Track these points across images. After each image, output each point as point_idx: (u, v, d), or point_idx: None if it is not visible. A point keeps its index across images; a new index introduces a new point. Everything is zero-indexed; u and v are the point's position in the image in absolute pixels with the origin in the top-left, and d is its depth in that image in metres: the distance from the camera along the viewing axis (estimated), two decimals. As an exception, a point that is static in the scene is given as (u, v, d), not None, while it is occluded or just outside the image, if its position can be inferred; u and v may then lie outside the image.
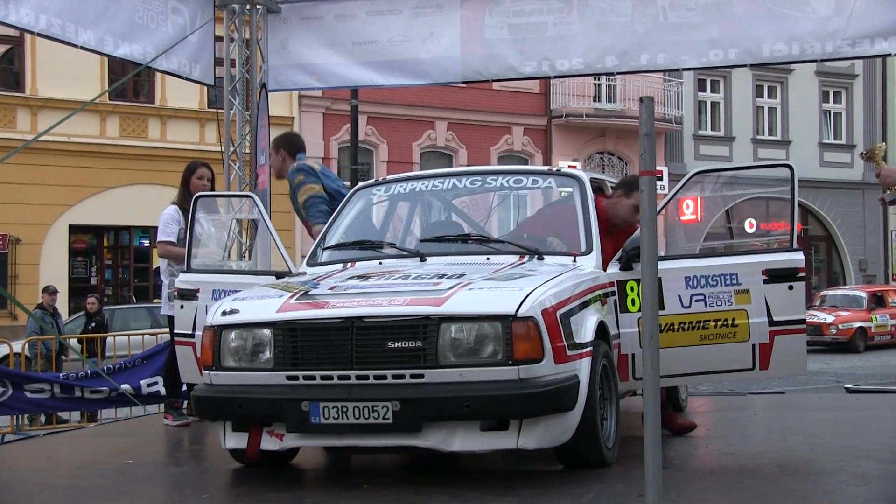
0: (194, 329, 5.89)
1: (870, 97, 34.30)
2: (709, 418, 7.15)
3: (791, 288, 5.26)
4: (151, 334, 11.85)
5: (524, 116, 28.67)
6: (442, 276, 4.96)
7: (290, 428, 4.68)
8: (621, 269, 5.40)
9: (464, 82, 9.13)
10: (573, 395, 4.60)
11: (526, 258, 5.42)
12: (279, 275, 5.73)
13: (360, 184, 6.54)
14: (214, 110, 11.13)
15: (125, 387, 9.46)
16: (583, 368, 4.70)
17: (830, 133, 34.13)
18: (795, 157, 30.40)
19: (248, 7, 8.73)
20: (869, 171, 28.40)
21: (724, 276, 5.32)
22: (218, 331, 4.81)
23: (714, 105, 32.17)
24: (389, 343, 4.53)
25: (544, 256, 5.42)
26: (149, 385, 9.67)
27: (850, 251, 34.00)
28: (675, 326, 5.31)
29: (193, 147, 21.96)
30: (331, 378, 4.59)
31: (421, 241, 5.92)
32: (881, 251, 34.61)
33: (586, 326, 4.86)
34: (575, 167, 19.27)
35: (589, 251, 5.47)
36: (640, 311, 5.13)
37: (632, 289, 5.35)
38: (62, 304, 19.04)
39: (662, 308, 5.08)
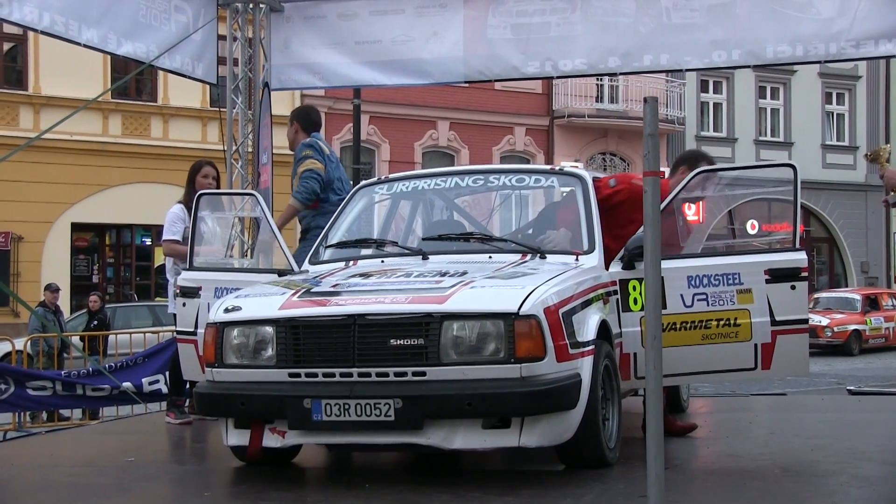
0: (196, 327, 5.90)
1: (873, 99, 34.27)
2: (710, 419, 7.15)
3: (793, 288, 5.24)
4: (153, 332, 11.87)
5: (526, 117, 28.68)
6: (444, 275, 4.97)
7: (291, 425, 4.67)
8: (623, 268, 5.39)
9: (466, 82, 9.11)
10: (575, 393, 4.60)
11: (528, 257, 5.42)
12: (281, 273, 5.73)
13: (363, 182, 6.53)
14: (217, 109, 11.14)
15: (127, 384, 9.48)
16: (585, 367, 4.70)
17: (833, 135, 34.11)
18: (798, 159, 30.31)
19: (251, 6, 8.73)
20: (872, 173, 28.39)
21: (726, 275, 5.31)
22: (220, 328, 4.82)
23: (716, 106, 32.16)
24: (391, 341, 4.53)
25: (546, 255, 5.41)
26: (150, 383, 9.70)
27: (853, 253, 33.96)
28: (678, 326, 5.30)
29: (195, 146, 21.99)
30: (333, 375, 4.59)
31: (423, 239, 5.91)
32: (883, 253, 34.58)
33: (588, 325, 4.86)
34: (577, 167, 19.24)
35: (591, 250, 5.46)
36: (642, 310, 5.15)
37: (634, 288, 5.34)
38: (64, 301, 19.03)
39: (665, 307, 5.05)
